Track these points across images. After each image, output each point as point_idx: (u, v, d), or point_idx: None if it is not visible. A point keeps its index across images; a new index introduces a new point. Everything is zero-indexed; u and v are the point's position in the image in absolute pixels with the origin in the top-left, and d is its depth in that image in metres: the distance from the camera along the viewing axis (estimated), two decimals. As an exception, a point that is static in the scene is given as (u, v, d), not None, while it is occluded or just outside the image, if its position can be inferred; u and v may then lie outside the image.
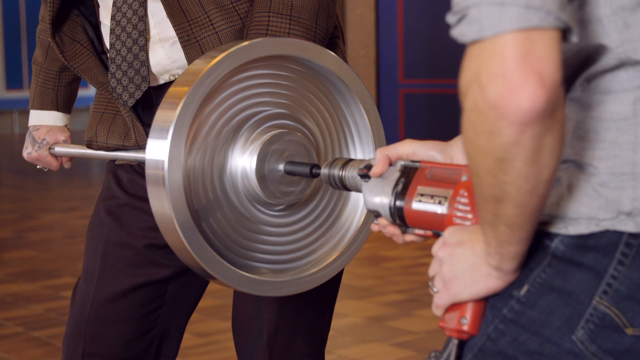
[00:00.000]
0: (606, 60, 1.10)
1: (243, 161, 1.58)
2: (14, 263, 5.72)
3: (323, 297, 2.08)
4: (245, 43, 1.54)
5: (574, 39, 1.00)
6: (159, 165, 1.48)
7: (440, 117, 7.90)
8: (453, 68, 8.17)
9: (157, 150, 1.49)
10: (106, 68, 2.04)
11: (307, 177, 1.60)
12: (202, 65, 1.52)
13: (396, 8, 8.15)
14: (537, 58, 0.96)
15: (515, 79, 0.95)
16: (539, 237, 1.13)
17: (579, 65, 1.13)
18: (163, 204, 1.49)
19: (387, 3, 8.19)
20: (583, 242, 1.11)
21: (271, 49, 1.58)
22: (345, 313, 4.46)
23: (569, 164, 1.13)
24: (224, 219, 1.58)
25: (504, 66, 0.96)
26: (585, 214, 1.10)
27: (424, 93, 8.05)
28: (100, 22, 2.04)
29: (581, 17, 1.09)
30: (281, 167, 1.60)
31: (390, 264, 5.52)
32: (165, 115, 1.50)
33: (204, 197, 1.56)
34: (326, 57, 1.64)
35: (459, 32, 1.00)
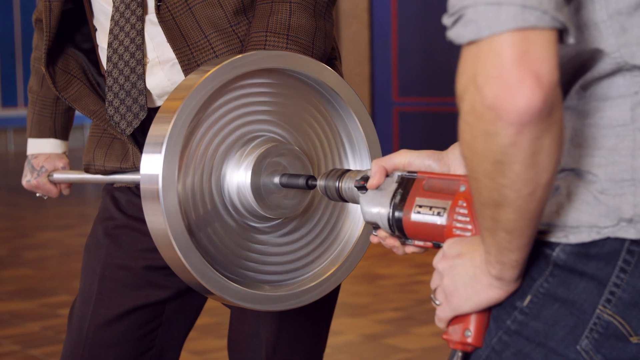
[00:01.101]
0: (603, 66, 1.10)
1: (238, 175, 1.57)
2: (10, 281, 5.71)
3: (321, 316, 2.08)
4: (238, 56, 1.54)
5: (571, 40, 0.99)
6: (154, 179, 1.48)
7: (434, 135, 7.92)
8: (447, 86, 8.21)
9: (152, 165, 1.49)
10: (98, 95, 2.05)
11: (303, 189, 1.59)
12: (195, 79, 1.51)
13: (390, 26, 8.18)
14: (534, 58, 0.95)
15: (512, 79, 0.95)
16: (540, 247, 1.13)
17: (574, 72, 1.13)
18: (158, 219, 1.48)
19: (381, 21, 8.22)
20: (585, 250, 1.10)
21: (264, 62, 1.58)
22: (341, 330, 4.46)
23: (567, 173, 1.13)
24: (221, 233, 1.58)
25: (501, 67, 0.95)
26: (585, 222, 1.10)
27: (418, 111, 8.08)
28: (97, 45, 2.05)
29: (577, 22, 1.09)
30: (277, 180, 1.59)
31: (386, 281, 5.52)
32: (159, 130, 1.49)
33: (200, 212, 1.55)
34: (319, 70, 1.64)
35: (455, 34, 1.00)
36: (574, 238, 1.11)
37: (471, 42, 0.98)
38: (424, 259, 5.63)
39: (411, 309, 4.87)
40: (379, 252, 5.71)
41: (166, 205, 1.47)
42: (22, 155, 14.73)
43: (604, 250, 1.10)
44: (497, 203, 1.03)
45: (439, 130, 7.89)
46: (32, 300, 5.20)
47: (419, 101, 8.07)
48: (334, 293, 2.06)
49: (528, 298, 1.13)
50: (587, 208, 1.10)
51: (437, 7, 7.77)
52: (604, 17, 1.08)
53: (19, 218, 8.40)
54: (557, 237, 1.12)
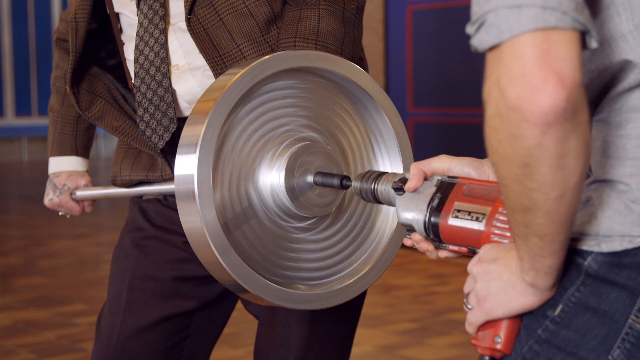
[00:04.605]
0: (633, 77, 1.10)
1: (271, 176, 1.57)
2: (25, 290, 5.72)
3: (348, 324, 2.08)
4: (267, 57, 1.55)
5: (594, 43, 0.99)
6: (189, 179, 1.48)
7: (450, 146, 7.91)
8: (462, 97, 8.18)
9: (186, 165, 1.49)
10: (122, 111, 2.06)
11: (337, 188, 1.59)
12: (226, 80, 1.52)
13: (405, 38, 8.19)
14: (555, 58, 0.95)
15: (534, 79, 0.95)
16: (572, 255, 1.12)
17: (605, 86, 1.13)
18: (194, 219, 1.48)
19: (396, 32, 8.23)
20: (617, 260, 1.10)
21: (293, 62, 1.58)
22: (357, 341, 4.44)
23: (599, 184, 1.13)
24: (255, 233, 1.57)
25: (523, 67, 0.95)
26: (618, 231, 1.10)
27: (433, 122, 8.08)
28: (124, 59, 2.06)
29: (604, 35, 1.09)
30: (310, 178, 1.59)
31: (401, 292, 5.51)
32: (192, 131, 1.50)
33: (234, 212, 1.55)
34: (349, 69, 1.63)
35: (478, 40, 1.00)
36: (606, 247, 1.10)
37: (494, 47, 0.99)
38: (439, 269, 5.62)
39: (426, 320, 4.86)
40: (394, 263, 5.70)
41: (202, 204, 1.47)
42: (36, 164, 14.78)
43: (637, 260, 1.09)
44: (527, 208, 1.03)
45: (453, 140, 7.89)
46: (47, 309, 5.21)
47: (434, 112, 8.07)
48: (360, 301, 2.06)
49: (559, 307, 1.13)
50: (619, 217, 1.10)
51: (451, 19, 7.77)
52: (630, 28, 1.09)
53: (33, 227, 8.41)
54: (589, 246, 1.12)
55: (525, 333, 1.16)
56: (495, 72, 0.98)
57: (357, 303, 2.07)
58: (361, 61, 2.02)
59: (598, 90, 1.13)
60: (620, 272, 1.10)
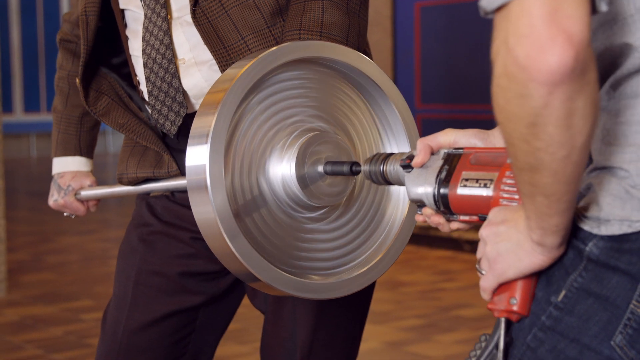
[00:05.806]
0: (632, 62, 1.10)
1: (282, 167, 1.57)
2: (33, 286, 5.74)
3: (356, 320, 2.08)
4: (275, 48, 1.55)
5: (603, 7, 0.99)
6: (201, 170, 1.48)
7: (457, 142, 7.90)
8: (470, 93, 8.17)
9: (198, 156, 1.49)
10: (127, 109, 2.07)
11: (347, 175, 1.59)
12: (235, 72, 1.53)
13: (413, 34, 8.18)
14: (564, 16, 0.95)
15: (543, 37, 0.94)
16: (573, 241, 1.13)
17: (604, 71, 1.13)
18: (207, 209, 1.48)
19: (405, 29, 8.22)
20: (617, 245, 1.10)
21: (300, 52, 1.59)
22: (364, 337, 4.43)
23: (599, 171, 1.13)
24: (266, 223, 1.58)
25: (531, 25, 0.95)
26: (617, 216, 1.10)
27: (441, 118, 8.07)
28: (129, 55, 2.06)
29: (606, 17, 1.10)
30: (320, 168, 1.59)
31: (408, 288, 5.51)
32: (203, 122, 1.50)
33: (246, 203, 1.55)
34: (355, 58, 1.64)
35: (487, 1, 1.00)
36: (605, 230, 1.10)
37: (502, 7, 0.98)
38: (447, 266, 5.61)
39: (434, 316, 4.86)
40: (402, 259, 5.70)
41: (214, 194, 1.47)
42: (44, 160, 14.82)
43: (637, 245, 1.09)
44: (533, 167, 1.03)
45: (461, 137, 7.88)
46: (54, 305, 5.22)
47: (442, 108, 8.07)
48: (368, 296, 2.06)
49: (562, 293, 1.13)
50: (619, 203, 1.10)
51: (460, 16, 7.76)
52: (632, 12, 1.09)
53: (41, 223, 8.44)
54: (589, 227, 1.12)
55: (529, 321, 1.16)
56: (503, 31, 0.98)
57: (365, 297, 2.06)
58: (367, 54, 2.01)
59: (598, 75, 1.13)
60: (621, 258, 1.10)
